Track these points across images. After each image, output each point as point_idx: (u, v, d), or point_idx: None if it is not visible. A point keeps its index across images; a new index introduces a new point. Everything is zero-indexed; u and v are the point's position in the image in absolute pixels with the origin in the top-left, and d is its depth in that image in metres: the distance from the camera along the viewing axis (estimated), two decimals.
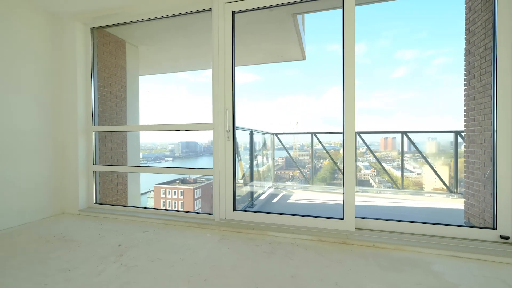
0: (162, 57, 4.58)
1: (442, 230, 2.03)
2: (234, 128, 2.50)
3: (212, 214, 2.56)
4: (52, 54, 2.86)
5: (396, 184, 4.80)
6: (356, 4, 2.17)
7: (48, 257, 1.82)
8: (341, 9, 2.16)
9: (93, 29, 3.07)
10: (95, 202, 3.09)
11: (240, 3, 2.43)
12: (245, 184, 3.57)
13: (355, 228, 2.19)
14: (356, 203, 2.23)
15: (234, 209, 2.50)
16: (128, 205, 3.81)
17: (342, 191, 2.23)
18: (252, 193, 3.60)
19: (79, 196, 2.97)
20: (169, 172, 3.06)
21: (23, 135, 2.58)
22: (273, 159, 5.06)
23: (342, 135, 2.22)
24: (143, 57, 4.33)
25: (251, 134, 3.55)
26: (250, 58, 4.72)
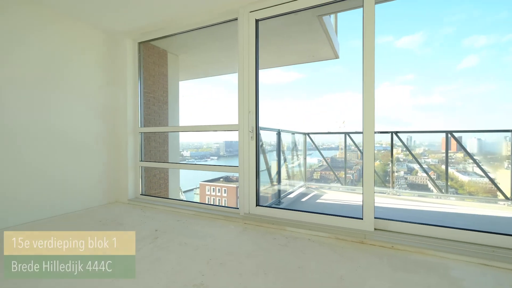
0: (201, 62, 4.96)
1: (471, 236, 1.91)
2: (257, 128, 2.67)
3: (238, 208, 2.76)
4: (107, 68, 3.38)
5: (437, 189, 4.42)
6: (376, 3, 2.16)
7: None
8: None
9: (140, 43, 3.53)
10: (141, 193, 3.55)
11: (262, 11, 2.58)
12: (273, 183, 3.70)
13: (375, 229, 2.18)
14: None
15: (257, 204, 2.67)
16: (168, 197, 4.25)
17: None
18: (279, 191, 3.72)
19: (129, 188, 3.45)
20: (201, 169, 3.37)
21: (85, 137, 3.12)
22: (305, 158, 5.09)
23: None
24: (183, 64, 4.76)
25: (279, 134, 3.67)
26: (282, 59, 4.84)
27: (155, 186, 4.04)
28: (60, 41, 2.86)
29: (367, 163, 2.18)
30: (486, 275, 1.58)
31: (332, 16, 4.46)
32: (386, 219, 2.20)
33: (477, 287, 1.46)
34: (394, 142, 4.46)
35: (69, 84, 2.95)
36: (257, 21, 2.63)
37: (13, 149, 2.48)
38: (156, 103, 4.05)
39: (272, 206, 2.89)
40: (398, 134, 4.39)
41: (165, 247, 1.98)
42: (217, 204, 3.07)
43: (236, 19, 2.76)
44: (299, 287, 1.44)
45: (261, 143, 3.28)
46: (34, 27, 2.64)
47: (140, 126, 3.56)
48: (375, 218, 2.20)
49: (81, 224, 2.52)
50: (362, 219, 2.20)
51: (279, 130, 3.65)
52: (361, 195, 2.24)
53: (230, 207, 2.86)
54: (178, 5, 2.67)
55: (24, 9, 2.55)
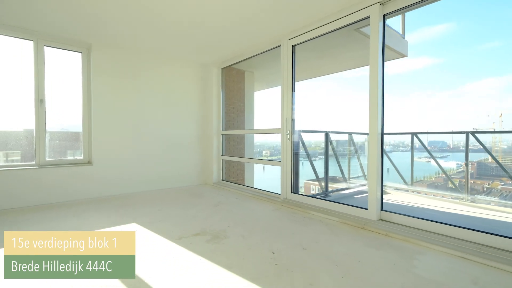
0: (270, 75, 5.90)
1: (473, 236, 2.01)
2: (292, 131, 3.37)
3: (280, 194, 3.55)
4: (201, 89, 4.83)
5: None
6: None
7: (191, 202, 3.52)
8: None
9: (222, 69, 4.82)
10: (222, 179, 4.85)
11: (297, 38, 3.25)
12: (318, 178, 4.21)
13: (381, 220, 2.52)
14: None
15: (292, 191, 3.38)
16: (243, 184, 5.42)
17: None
18: (327, 186, 4.19)
19: (213, 175, 4.80)
20: (256, 162, 4.32)
21: (186, 137, 4.64)
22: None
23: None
24: (258, 78, 5.83)
25: (327, 135, 4.14)
26: (343, 65, 5.16)
27: (234, 174, 5.29)
28: (172, 73, 4.44)
29: (371, 160, 2.54)
30: (441, 260, 1.79)
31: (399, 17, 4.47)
32: (391, 212, 2.49)
33: (423, 266, 1.73)
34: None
35: (179, 103, 4.52)
36: (293, 46, 3.33)
37: (148, 145, 4.17)
38: (235, 111, 5.28)
39: (302, 194, 3.49)
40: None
41: (218, 211, 3.03)
42: (268, 190, 3.93)
43: (280, 46, 3.53)
44: (282, 241, 2.15)
45: (330, 143, 3.91)
46: (156, 66, 4.28)
47: (221, 129, 4.85)
48: (383, 210, 2.53)
49: (181, 194, 3.95)
50: (367, 209, 2.57)
51: (326, 131, 4.13)
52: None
53: (275, 193, 3.68)
54: (243, 42, 3.69)
55: (150, 56, 4.21)
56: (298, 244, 2.09)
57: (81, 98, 3.68)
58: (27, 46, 3.28)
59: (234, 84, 5.26)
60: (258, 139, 6.42)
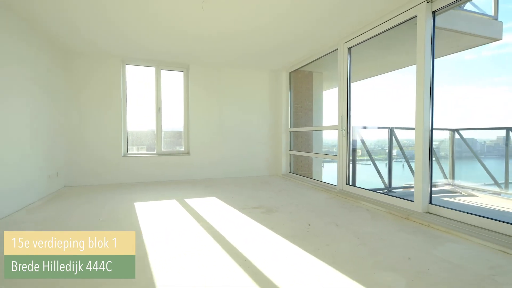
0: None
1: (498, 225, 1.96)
2: (348, 128, 3.63)
3: (336, 185, 3.87)
4: (272, 92, 5.53)
5: None
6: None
7: (259, 187, 4.28)
8: None
9: (290, 72, 5.38)
10: (290, 171, 5.44)
11: (352, 41, 3.50)
12: (380, 174, 4.21)
13: (428, 212, 2.59)
14: None
15: (347, 183, 3.65)
16: (311, 177, 5.83)
17: None
18: (391, 182, 4.16)
19: (282, 167, 5.44)
20: (313, 156, 4.67)
21: (259, 134, 5.43)
22: (452, 156, 4.69)
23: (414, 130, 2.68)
24: (327, 78, 6.10)
25: (391, 131, 4.10)
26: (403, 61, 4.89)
27: (302, 168, 5.78)
28: (246, 80, 5.31)
29: (418, 155, 2.62)
30: (469, 249, 1.85)
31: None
32: (440, 206, 2.53)
33: (446, 250, 1.85)
34: None
35: (253, 104, 5.36)
36: (348, 49, 3.59)
37: (228, 141, 5.16)
38: (303, 110, 5.75)
39: (355, 185, 3.66)
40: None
41: (278, 194, 3.65)
42: (328, 182, 4.24)
43: (337, 49, 3.83)
44: (321, 218, 2.57)
45: (396, 140, 4.04)
46: (234, 75, 5.21)
47: (290, 127, 5.43)
48: (432, 204, 2.60)
49: (252, 181, 4.76)
50: (413, 201, 2.67)
51: (390, 128, 4.12)
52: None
53: (332, 184, 4.01)
54: (306, 48, 4.17)
55: (229, 68, 5.17)
56: (333, 222, 2.49)
57: (182, 105, 4.96)
58: (150, 71, 4.73)
59: (302, 85, 5.73)
60: (332, 137, 6.66)
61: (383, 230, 2.28)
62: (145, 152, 4.83)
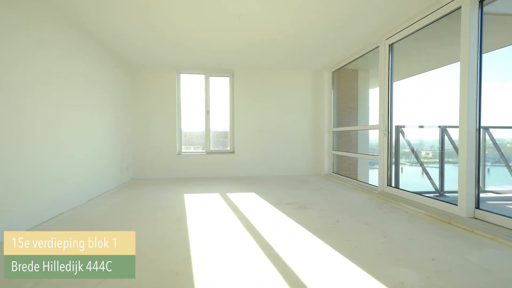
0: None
1: None
2: (389, 127, 3.51)
3: (377, 186, 3.76)
4: (314, 92, 5.58)
5: None
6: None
7: (297, 185, 4.42)
8: None
9: (333, 72, 5.35)
10: (332, 171, 5.40)
11: (393, 37, 3.39)
12: (428, 175, 3.88)
13: (474, 217, 2.40)
14: None
15: (388, 184, 3.53)
16: (356, 178, 5.67)
17: None
18: (442, 185, 3.82)
19: (324, 167, 5.44)
20: (353, 156, 4.53)
21: (300, 134, 5.53)
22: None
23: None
24: (374, 75, 5.83)
25: (443, 130, 3.76)
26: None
27: (346, 168, 5.67)
28: (288, 81, 5.46)
29: (462, 158, 2.45)
30: (509, 256, 1.70)
31: None
32: (487, 211, 2.33)
33: (482, 255, 1.73)
34: None
35: (294, 105, 5.50)
36: (390, 45, 3.47)
37: (269, 141, 5.40)
38: (347, 109, 5.63)
39: (396, 187, 3.46)
40: None
41: (315, 193, 3.73)
42: (370, 183, 4.07)
43: (378, 47, 3.72)
44: (352, 217, 2.61)
45: (450, 140, 3.81)
46: (275, 76, 5.42)
47: (332, 127, 5.40)
48: (479, 209, 2.41)
49: (291, 179, 4.91)
50: (457, 205, 2.50)
51: (442, 126, 3.79)
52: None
53: (374, 185, 3.90)
54: (346, 47, 4.16)
55: (271, 70, 5.39)
56: (364, 221, 2.51)
57: (228, 108, 5.39)
58: (200, 78, 5.28)
59: (346, 84, 5.62)
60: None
61: (416, 232, 2.22)
62: (196, 150, 5.41)
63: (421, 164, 3.87)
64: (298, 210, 2.87)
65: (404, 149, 4.17)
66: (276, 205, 3.09)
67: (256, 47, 4.04)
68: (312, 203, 3.16)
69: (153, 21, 3.11)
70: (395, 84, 3.67)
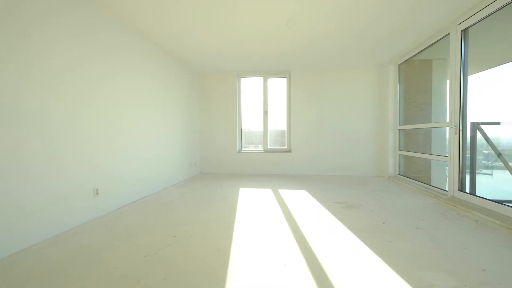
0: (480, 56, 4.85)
1: None
2: (462, 124, 3.08)
3: (447, 191, 3.33)
4: (376, 87, 5.22)
5: None
6: None
7: (353, 186, 4.28)
8: None
9: (399, 64, 4.91)
10: (398, 173, 4.96)
11: (465, 22, 2.96)
12: None
13: None
14: None
15: (459, 189, 3.10)
16: (429, 183, 5.04)
17: None
18: None
19: (388, 168, 5.05)
20: (420, 156, 4.02)
21: (361, 133, 5.26)
22: None
23: None
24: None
25: None
26: None
27: (415, 170, 5.11)
28: (347, 78, 5.27)
29: None
30: None
31: None
32: None
33: None
34: None
35: (355, 102, 5.27)
36: (462, 31, 3.04)
37: (327, 140, 5.32)
38: (417, 105, 5.06)
39: (467, 192, 2.95)
40: None
41: (371, 194, 3.56)
42: (439, 187, 3.51)
43: (449, 34, 3.29)
44: (403, 221, 2.44)
45: None
46: (334, 75, 5.29)
47: (398, 124, 4.96)
48: None
49: (349, 180, 4.74)
50: None
51: None
52: None
53: (441, 189, 3.46)
54: (412, 37, 3.83)
55: (330, 70, 5.29)
56: (415, 225, 2.34)
57: (285, 107, 5.57)
58: (259, 80, 5.61)
59: (417, 77, 5.06)
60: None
61: (476, 242, 1.97)
62: (255, 149, 5.78)
63: (508, 168, 3.23)
64: (344, 209, 2.85)
65: (486, 149, 3.57)
66: (323, 203, 3.13)
67: (312, 46, 4.07)
68: (363, 204, 3.06)
69: (216, 34, 3.55)
70: (474, 76, 3.18)
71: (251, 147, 5.83)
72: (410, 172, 5.11)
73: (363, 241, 1.99)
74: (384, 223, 2.39)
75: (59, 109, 2.23)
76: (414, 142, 5.11)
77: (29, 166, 1.97)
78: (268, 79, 5.58)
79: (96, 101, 2.65)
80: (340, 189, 3.91)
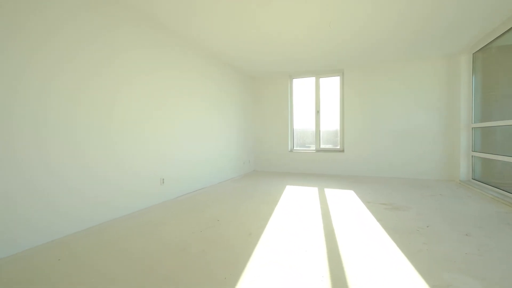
0: None
1: None
2: None
3: None
4: (443, 81, 4.65)
5: None
6: None
7: (410, 189, 3.96)
8: None
9: (474, 53, 4.28)
10: (472, 177, 4.33)
11: None
12: None
13: None
14: None
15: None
16: (507, 190, 4.22)
17: None
18: None
19: (460, 172, 4.44)
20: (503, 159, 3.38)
21: (423, 131, 4.76)
22: None
23: None
24: None
25: None
26: None
27: (497, 176, 4.35)
28: (408, 73, 4.84)
29: None
30: None
31: None
32: None
33: None
34: None
35: (417, 98, 4.81)
36: None
37: (385, 140, 5.00)
38: (501, 99, 4.30)
39: None
40: None
41: (427, 198, 3.27)
42: None
43: None
44: (452, 226, 2.24)
45: None
46: (392, 71, 4.92)
47: (472, 122, 4.32)
48: None
49: (408, 184, 4.37)
50: None
51: None
52: None
53: None
54: (493, 16, 3.39)
55: (387, 66, 4.94)
56: (465, 231, 2.13)
57: (338, 106, 5.48)
58: (311, 80, 5.67)
59: (499, 66, 4.31)
60: None
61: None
62: (306, 148, 5.85)
63: None
64: (388, 210, 2.75)
65: None
66: (367, 203, 3.06)
67: (367, 40, 3.89)
68: (412, 207, 2.88)
69: (268, 41, 3.85)
70: None
71: (303, 147, 5.92)
72: (489, 177, 4.39)
73: (393, 239, 1.95)
74: (428, 226, 2.25)
75: (138, 114, 2.87)
76: (495, 142, 4.37)
77: (123, 164, 2.62)
78: (321, 79, 5.58)
79: (181, 110, 3.26)
80: (392, 192, 3.69)
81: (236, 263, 1.67)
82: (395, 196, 3.42)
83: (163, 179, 3.22)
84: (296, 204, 3.06)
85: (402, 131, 4.93)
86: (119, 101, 2.66)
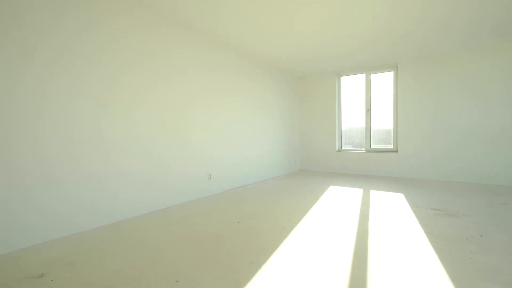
0: None
1: None
2: None
3: None
4: None
5: None
6: None
7: (474, 195, 3.50)
8: None
9: None
10: None
11: None
12: None
13: None
14: None
15: None
16: None
17: None
18: None
19: None
20: None
21: (502, 131, 4.08)
22: None
23: None
24: None
25: None
26: None
27: None
28: (477, 62, 4.21)
29: None
30: None
31: None
32: None
33: None
34: None
35: (488, 92, 4.14)
36: None
37: (448, 140, 4.47)
38: None
39: None
40: None
41: (489, 207, 2.87)
42: None
43: None
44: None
45: None
46: (458, 62, 4.35)
47: None
48: None
49: (474, 189, 3.84)
50: None
51: None
52: None
53: None
54: None
55: (454, 56, 4.39)
56: None
57: (392, 104, 5.11)
58: (361, 77, 5.41)
59: None
60: None
61: None
62: (355, 148, 5.61)
63: None
64: (437, 216, 2.52)
65: None
66: (415, 207, 2.85)
67: (426, 29, 3.51)
68: (469, 214, 2.58)
69: (311, 44, 3.90)
70: None
71: (352, 147, 5.69)
72: None
73: (433, 246, 1.83)
74: (482, 236, 2.02)
75: (182, 117, 3.27)
76: None
77: (170, 164, 3.05)
78: (371, 75, 5.29)
79: (225, 112, 3.61)
80: (451, 197, 3.32)
81: (264, 250, 1.82)
82: (453, 201, 3.08)
83: (210, 175, 3.57)
84: (336, 203, 3.04)
85: (468, 130, 4.34)
86: (178, 113, 3.09)
